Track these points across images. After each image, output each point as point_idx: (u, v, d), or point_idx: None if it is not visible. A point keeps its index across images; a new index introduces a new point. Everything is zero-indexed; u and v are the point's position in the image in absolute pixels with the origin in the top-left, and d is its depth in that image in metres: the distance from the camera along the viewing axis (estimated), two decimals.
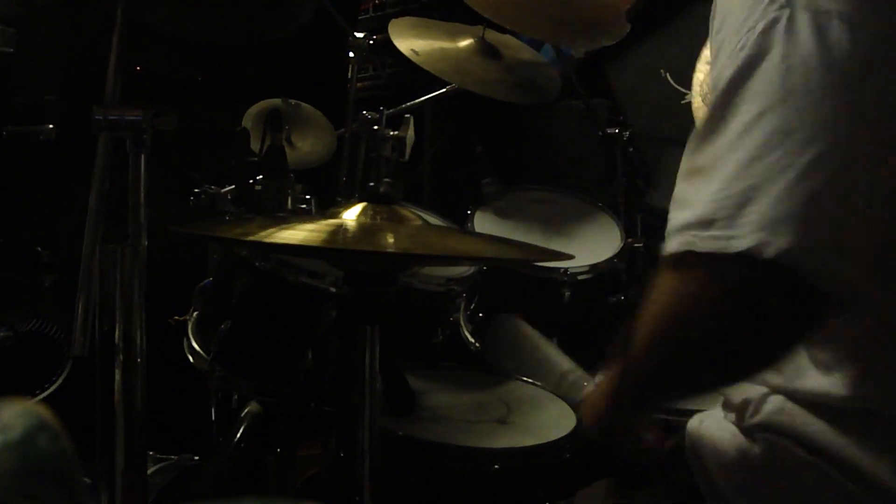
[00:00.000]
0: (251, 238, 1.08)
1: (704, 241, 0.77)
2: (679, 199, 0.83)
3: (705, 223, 0.77)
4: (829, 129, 0.74)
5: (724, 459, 0.97)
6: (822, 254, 0.74)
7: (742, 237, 0.74)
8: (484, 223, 2.04)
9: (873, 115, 0.76)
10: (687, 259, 0.79)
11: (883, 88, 0.76)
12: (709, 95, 0.88)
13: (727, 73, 0.79)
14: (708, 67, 1.83)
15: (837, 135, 0.74)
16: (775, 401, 0.92)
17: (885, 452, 0.84)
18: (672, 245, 0.81)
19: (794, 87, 0.75)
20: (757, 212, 0.74)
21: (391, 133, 1.53)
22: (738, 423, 0.97)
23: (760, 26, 0.77)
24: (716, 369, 0.85)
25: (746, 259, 0.74)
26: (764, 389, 0.93)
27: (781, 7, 0.77)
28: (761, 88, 0.76)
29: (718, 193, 0.77)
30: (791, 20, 0.76)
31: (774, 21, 0.77)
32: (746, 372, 0.88)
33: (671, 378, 0.88)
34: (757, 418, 0.93)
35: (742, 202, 0.75)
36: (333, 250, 1.08)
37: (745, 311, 0.78)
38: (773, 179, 0.74)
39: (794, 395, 0.90)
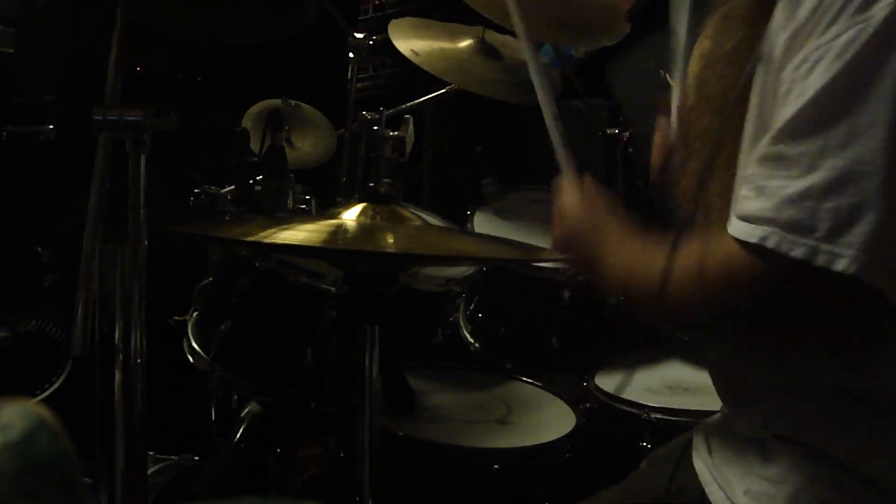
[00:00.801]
0: (251, 239, 1.09)
1: (796, 248, 0.77)
2: (757, 185, 0.81)
3: (799, 227, 0.77)
4: None
5: (731, 462, 0.96)
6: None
7: (847, 258, 0.75)
8: (484, 223, 2.04)
9: None
10: (762, 253, 0.80)
11: None
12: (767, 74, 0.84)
13: (829, 68, 0.76)
14: (703, 61, 1.82)
15: None
16: (782, 403, 0.91)
17: (892, 454, 0.84)
18: (746, 231, 0.81)
19: None
20: (863, 234, 0.74)
21: (391, 133, 1.53)
22: (745, 426, 0.97)
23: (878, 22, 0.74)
24: (740, 346, 0.92)
25: (846, 279, 0.75)
26: (770, 392, 0.93)
27: None
28: (888, 94, 0.74)
29: (816, 198, 0.76)
30: None
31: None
32: (764, 356, 0.92)
33: (690, 323, 0.95)
34: (771, 429, 0.93)
35: (849, 219, 0.75)
36: (333, 251, 1.08)
37: (816, 320, 0.82)
38: (881, 196, 0.74)
39: (800, 398, 0.90)
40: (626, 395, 1.65)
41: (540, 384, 1.76)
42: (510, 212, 2.10)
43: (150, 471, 1.74)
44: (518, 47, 2.26)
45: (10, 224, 2.53)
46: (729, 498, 0.94)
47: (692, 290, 0.87)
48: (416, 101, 2.39)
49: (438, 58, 2.04)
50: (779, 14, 0.84)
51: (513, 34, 2.24)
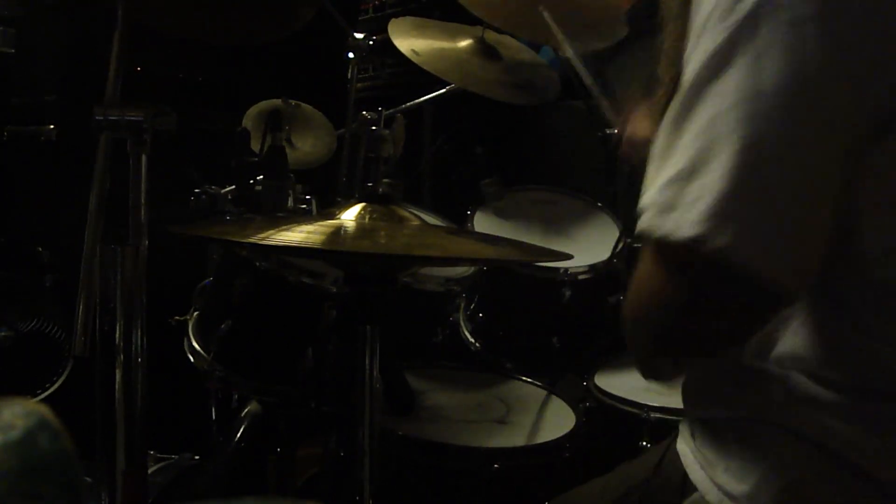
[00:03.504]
0: (250, 240, 1.09)
1: (662, 224, 0.82)
2: (650, 178, 0.87)
3: (662, 207, 0.82)
4: (783, 137, 0.77)
5: (711, 442, 0.98)
6: (761, 253, 0.78)
7: (688, 226, 0.79)
8: (484, 223, 2.04)
9: (830, 116, 0.78)
10: (645, 238, 0.86)
11: (843, 95, 0.77)
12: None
13: (706, 52, 0.80)
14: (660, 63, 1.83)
15: (789, 138, 0.77)
16: (774, 394, 0.92)
17: (885, 443, 0.85)
18: (639, 223, 0.86)
19: (762, 90, 0.76)
20: (705, 204, 0.78)
21: (388, 133, 1.54)
22: (736, 418, 0.97)
23: (731, 25, 0.78)
24: (657, 346, 0.92)
25: (689, 246, 0.79)
26: (763, 383, 0.94)
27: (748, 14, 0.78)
28: (727, 88, 0.78)
29: (675, 180, 0.81)
30: (759, 25, 0.77)
31: (742, 24, 0.78)
32: (688, 353, 0.94)
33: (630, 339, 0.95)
34: (753, 414, 0.94)
35: (696, 194, 0.79)
36: (332, 252, 1.08)
37: (691, 298, 0.84)
38: (720, 175, 0.78)
39: (793, 391, 0.91)
40: (626, 395, 1.65)
41: (540, 384, 1.76)
42: (510, 212, 2.10)
43: (150, 471, 1.74)
44: (518, 47, 2.26)
45: (10, 224, 2.53)
46: (709, 476, 0.96)
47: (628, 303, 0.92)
48: (416, 101, 2.39)
49: (438, 58, 2.04)
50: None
51: (513, 34, 2.24)
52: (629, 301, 0.92)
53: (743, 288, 0.80)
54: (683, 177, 0.80)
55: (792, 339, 0.89)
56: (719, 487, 0.95)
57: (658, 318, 0.88)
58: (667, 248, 0.83)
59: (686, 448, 1.02)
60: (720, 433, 0.98)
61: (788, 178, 0.78)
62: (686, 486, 0.99)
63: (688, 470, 1.00)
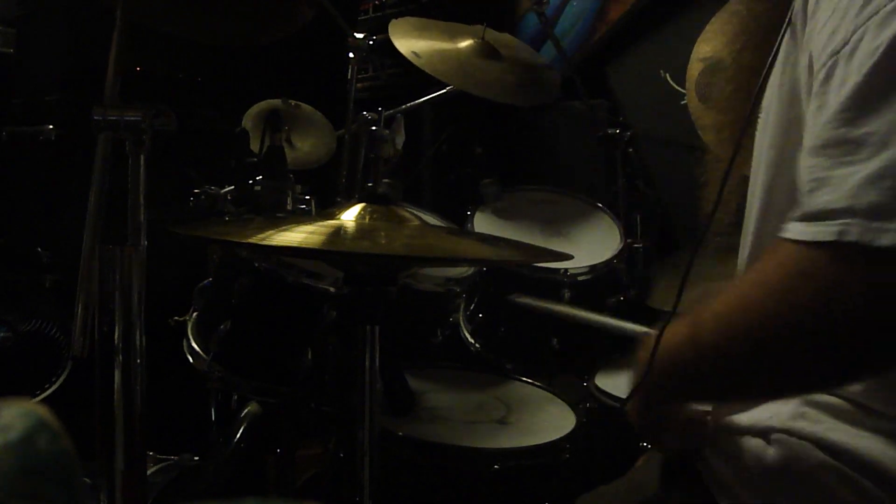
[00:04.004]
0: (249, 240, 1.08)
1: (882, 235, 0.68)
2: (816, 178, 0.73)
3: (882, 212, 0.69)
4: None
5: (739, 463, 0.96)
6: None
7: None
8: (484, 223, 2.04)
9: None
10: (839, 250, 0.70)
11: None
12: (821, 58, 0.76)
13: (890, 28, 0.71)
14: (702, 65, 1.83)
15: None
16: (794, 405, 0.91)
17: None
18: (814, 231, 0.72)
19: None
20: None
21: (388, 133, 1.53)
22: (753, 426, 0.96)
23: None
24: (820, 371, 0.76)
25: None
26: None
27: None
28: None
29: (894, 177, 0.69)
30: None
31: None
32: (843, 379, 0.80)
33: (753, 368, 0.78)
34: (774, 422, 0.92)
35: None
36: (331, 252, 1.08)
37: None
38: None
39: (813, 400, 0.89)
40: (627, 396, 1.65)
41: (540, 384, 1.76)
42: (510, 212, 2.10)
43: (150, 471, 1.74)
44: (518, 47, 2.26)
45: (10, 224, 2.53)
46: (739, 499, 0.94)
47: (741, 332, 0.76)
48: (416, 102, 2.39)
49: (439, 59, 2.04)
50: (800, 12, 0.82)
51: (513, 33, 2.25)
52: (766, 304, 0.75)
53: None
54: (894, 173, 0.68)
55: None
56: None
57: (838, 329, 0.72)
58: (883, 259, 0.68)
59: (705, 463, 1.01)
60: (743, 448, 0.95)
61: None
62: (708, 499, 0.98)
63: (710, 486, 0.98)
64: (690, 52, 1.94)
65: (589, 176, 2.52)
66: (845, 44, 0.73)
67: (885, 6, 0.71)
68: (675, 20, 2.66)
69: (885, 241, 0.67)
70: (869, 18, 0.72)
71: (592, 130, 2.27)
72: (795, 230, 0.73)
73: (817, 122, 0.76)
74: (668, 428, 1.01)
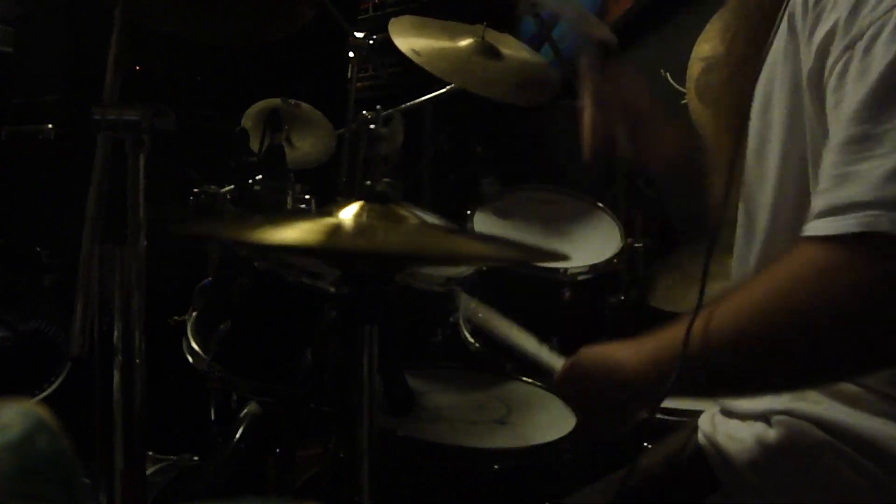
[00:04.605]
0: (247, 239, 1.08)
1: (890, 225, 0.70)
2: (839, 174, 0.75)
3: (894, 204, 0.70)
4: None
5: (742, 446, 0.96)
6: None
7: None
8: (484, 223, 2.04)
9: None
10: (866, 243, 0.72)
11: None
12: (841, 49, 0.78)
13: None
14: (703, 64, 1.83)
15: None
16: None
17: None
18: (839, 225, 0.73)
19: None
20: None
21: (385, 131, 1.53)
22: (754, 410, 0.96)
23: None
24: (844, 363, 0.78)
25: None
26: None
27: None
28: None
29: None
30: None
31: None
32: (876, 366, 0.81)
33: (776, 362, 0.79)
34: (775, 404, 0.93)
35: None
36: (328, 251, 1.08)
37: None
38: None
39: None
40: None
41: (540, 384, 1.76)
42: (510, 212, 2.10)
43: (149, 471, 1.74)
44: (518, 47, 2.26)
45: (10, 224, 2.53)
46: (744, 483, 0.95)
47: (766, 327, 0.77)
48: (416, 101, 2.39)
49: (439, 57, 2.03)
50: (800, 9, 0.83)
51: (513, 33, 2.25)
52: (790, 298, 0.76)
53: None
54: None
55: None
56: (749, 485, 0.94)
57: (868, 321, 0.73)
58: None
59: (712, 446, 1.01)
60: (745, 430, 0.96)
61: None
62: (712, 481, 0.98)
63: (715, 469, 0.99)
64: (690, 52, 1.94)
65: (589, 176, 2.52)
66: (860, 38, 0.74)
67: None
68: (675, 20, 2.66)
69: None
70: (886, 13, 0.73)
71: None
72: (820, 227, 0.75)
73: (838, 118, 0.77)
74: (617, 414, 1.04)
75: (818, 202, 0.76)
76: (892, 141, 0.72)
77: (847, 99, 0.75)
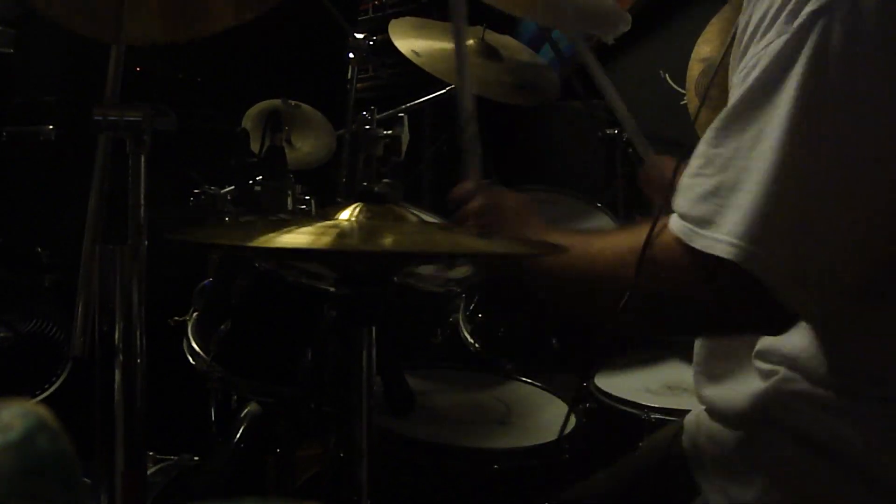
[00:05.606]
0: (247, 244, 1.08)
1: (697, 239, 0.84)
2: (684, 182, 0.87)
3: (703, 222, 0.83)
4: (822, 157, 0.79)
5: (721, 451, 0.98)
6: (792, 278, 0.79)
7: (722, 247, 0.80)
8: None
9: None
10: (680, 242, 0.86)
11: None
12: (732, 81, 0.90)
13: (753, 74, 0.81)
14: (702, 65, 1.84)
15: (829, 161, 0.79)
16: (770, 391, 0.92)
17: (878, 440, 0.85)
18: (673, 224, 0.87)
19: (818, 103, 0.77)
20: (742, 227, 0.79)
21: (384, 132, 1.53)
22: (734, 416, 0.98)
23: (789, 33, 0.79)
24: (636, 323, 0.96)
25: (726, 264, 0.80)
26: (759, 382, 0.94)
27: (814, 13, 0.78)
28: (781, 102, 0.79)
29: (722, 196, 0.82)
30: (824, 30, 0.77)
31: (804, 28, 0.78)
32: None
33: (593, 297, 0.97)
34: (756, 410, 0.94)
35: (733, 215, 0.81)
36: (327, 252, 1.08)
37: (714, 302, 0.85)
38: (757, 197, 0.79)
39: (788, 387, 0.91)
40: (626, 396, 1.65)
41: (540, 384, 1.76)
42: None
43: (150, 471, 1.74)
44: (518, 48, 2.26)
45: (10, 224, 2.53)
46: (721, 488, 0.96)
47: (626, 270, 0.90)
48: (416, 102, 2.39)
49: (439, 58, 2.04)
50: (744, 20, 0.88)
51: (511, 34, 2.25)
52: (627, 259, 0.90)
53: (767, 304, 0.81)
54: (722, 194, 0.82)
55: (790, 337, 0.89)
56: (724, 492, 0.95)
57: (674, 311, 0.91)
58: (698, 259, 0.83)
59: (693, 449, 1.02)
60: (725, 435, 0.98)
61: (827, 204, 0.79)
62: (692, 486, 0.99)
63: (694, 473, 1.00)
64: (690, 53, 1.94)
65: (589, 176, 2.52)
66: (744, 69, 0.84)
67: (773, 41, 0.80)
68: (675, 20, 2.67)
69: (697, 244, 0.83)
70: (764, 49, 0.81)
71: (592, 131, 2.27)
72: (672, 220, 0.88)
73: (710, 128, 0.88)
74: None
75: (677, 198, 0.89)
76: (717, 165, 0.83)
77: (715, 120, 0.86)
